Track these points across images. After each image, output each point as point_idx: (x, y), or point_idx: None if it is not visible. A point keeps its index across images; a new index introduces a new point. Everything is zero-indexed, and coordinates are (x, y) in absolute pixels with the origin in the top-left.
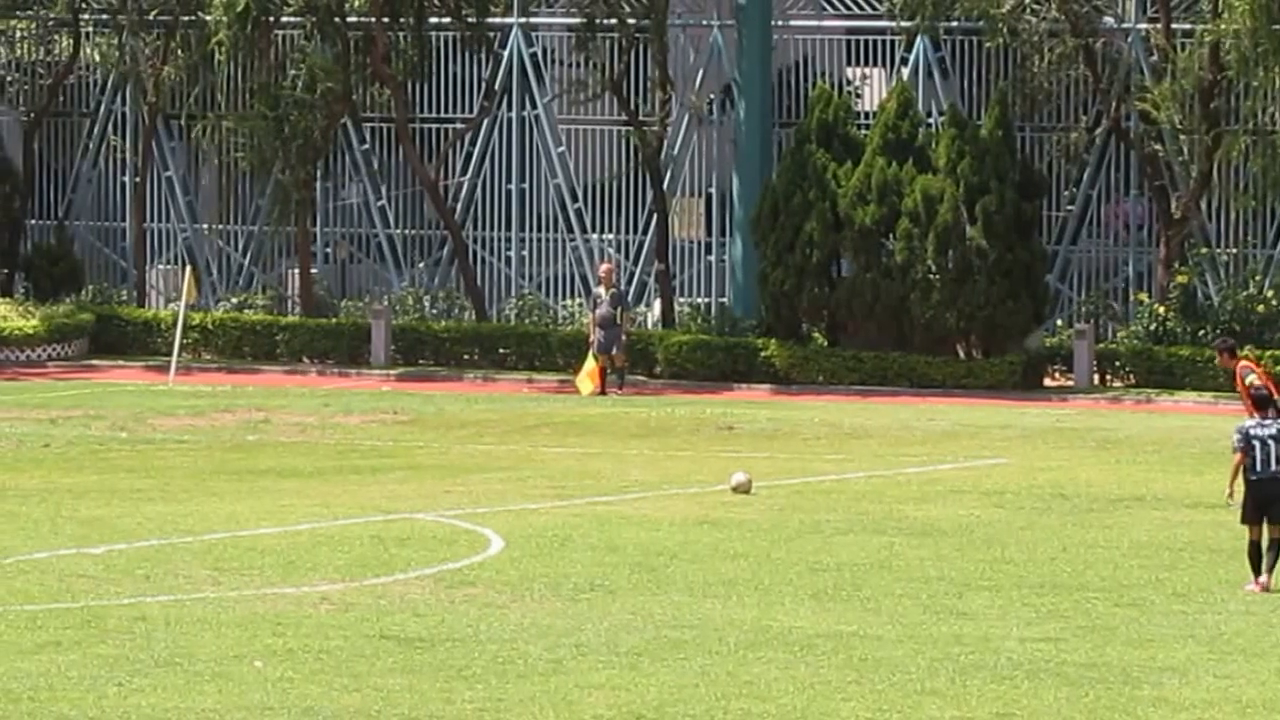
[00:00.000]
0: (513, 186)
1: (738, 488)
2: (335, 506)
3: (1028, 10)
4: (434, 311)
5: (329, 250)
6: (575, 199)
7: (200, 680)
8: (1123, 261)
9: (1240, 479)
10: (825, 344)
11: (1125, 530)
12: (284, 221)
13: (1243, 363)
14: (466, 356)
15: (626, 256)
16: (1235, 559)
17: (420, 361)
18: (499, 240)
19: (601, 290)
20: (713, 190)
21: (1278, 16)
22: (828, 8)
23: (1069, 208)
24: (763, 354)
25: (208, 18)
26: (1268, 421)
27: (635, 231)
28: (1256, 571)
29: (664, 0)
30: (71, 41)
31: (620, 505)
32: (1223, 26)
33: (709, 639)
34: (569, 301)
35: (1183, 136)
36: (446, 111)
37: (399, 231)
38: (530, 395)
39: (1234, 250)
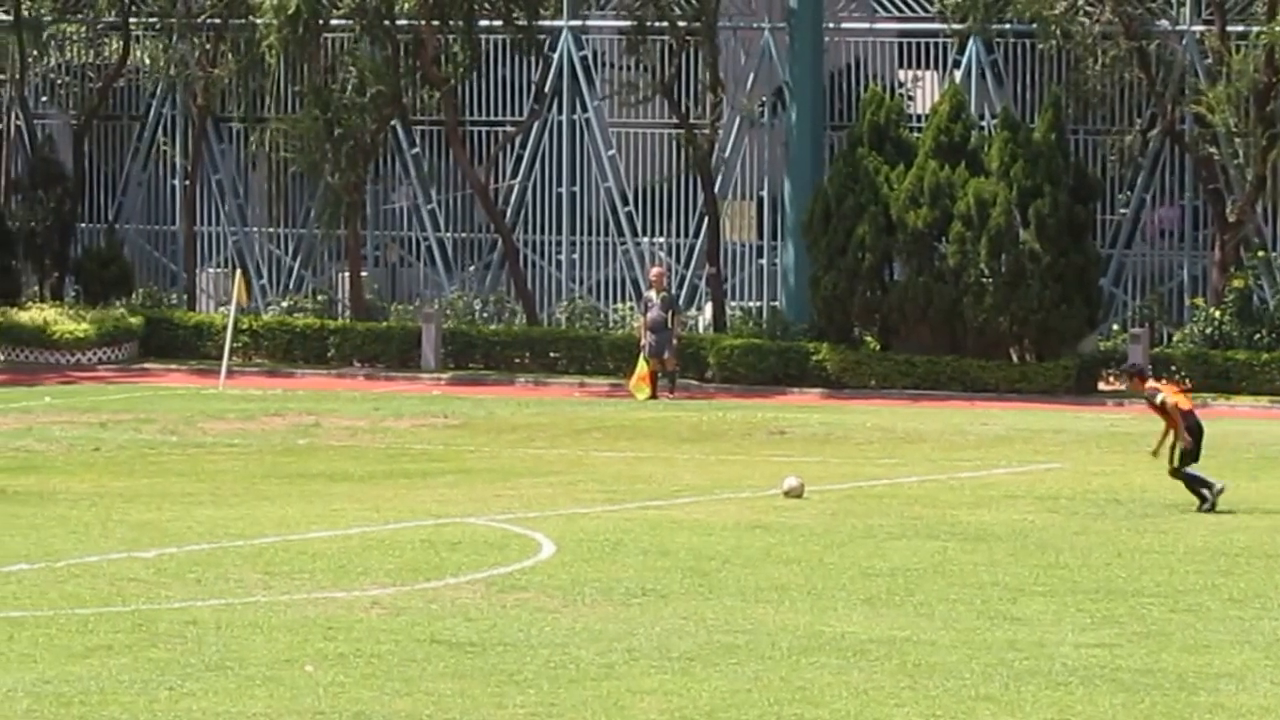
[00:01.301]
0: (563, 190)
1: (790, 492)
2: (386, 510)
3: (1081, 13)
4: (484, 315)
5: (379, 254)
6: (626, 202)
7: (251, 684)
8: (1177, 265)
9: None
10: (878, 348)
11: (1180, 535)
12: (334, 225)
13: (1149, 384)
14: (517, 360)
15: (678, 260)
16: None
17: (471, 365)
18: (550, 244)
19: (653, 294)
20: (764, 193)
21: None
22: (879, 10)
23: (1123, 211)
24: (815, 358)
25: (257, 20)
26: None
27: (686, 235)
28: None
29: (714, 3)
30: (121, 45)
31: (672, 509)
32: (1277, 29)
33: (761, 644)
34: (620, 305)
35: (1238, 139)
36: (497, 114)
37: (449, 235)
38: (581, 399)
39: None
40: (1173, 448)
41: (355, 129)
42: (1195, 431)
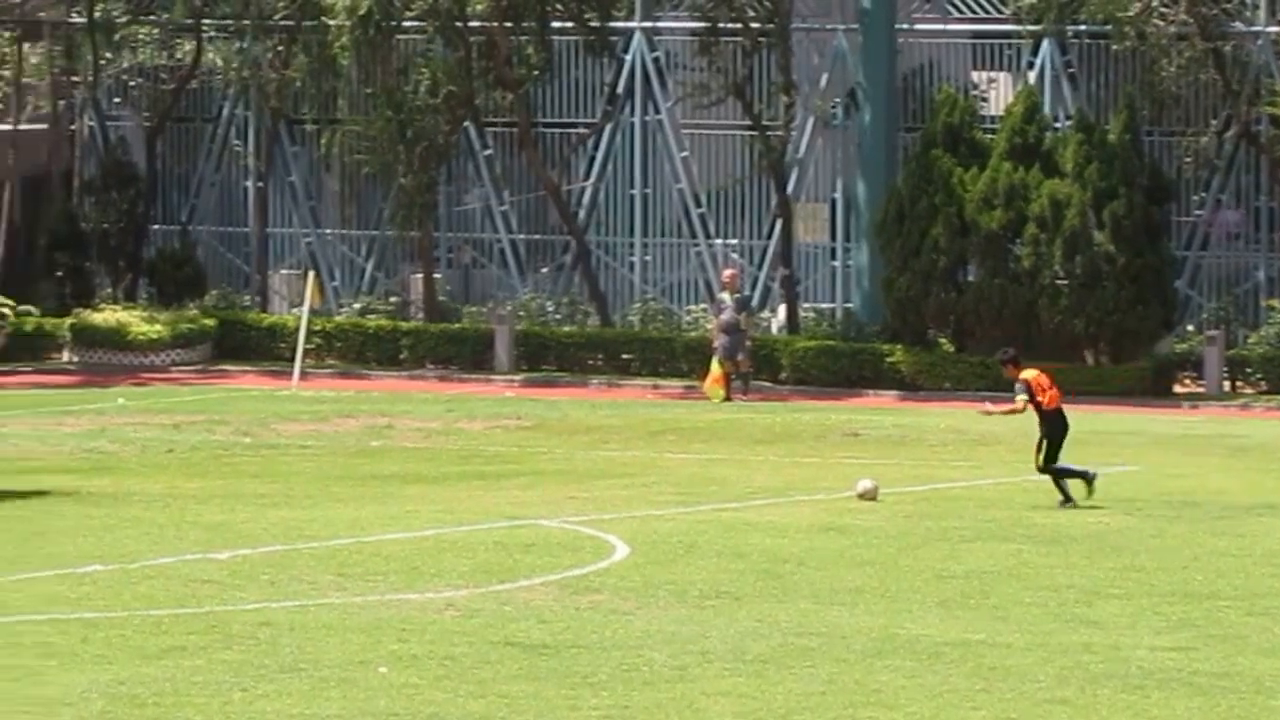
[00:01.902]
0: (636, 191)
1: (864, 494)
2: (459, 512)
3: (1155, 14)
4: (557, 317)
5: (452, 255)
6: (699, 204)
7: (325, 686)
8: (1253, 267)
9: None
10: (952, 349)
11: (1257, 539)
12: (407, 226)
13: (1023, 374)
14: (590, 362)
15: (751, 261)
16: None
17: (544, 367)
18: (622, 245)
19: (726, 295)
20: (837, 195)
21: None
22: (953, 11)
23: (1198, 213)
24: (889, 360)
25: (330, 22)
26: None
27: (759, 236)
28: None
29: (787, 4)
30: (194, 46)
31: (745, 511)
32: None
33: (835, 646)
34: (693, 307)
35: None
36: (569, 116)
37: (522, 236)
38: (654, 401)
39: None
40: (1039, 447)
41: (428, 130)
42: (1061, 428)
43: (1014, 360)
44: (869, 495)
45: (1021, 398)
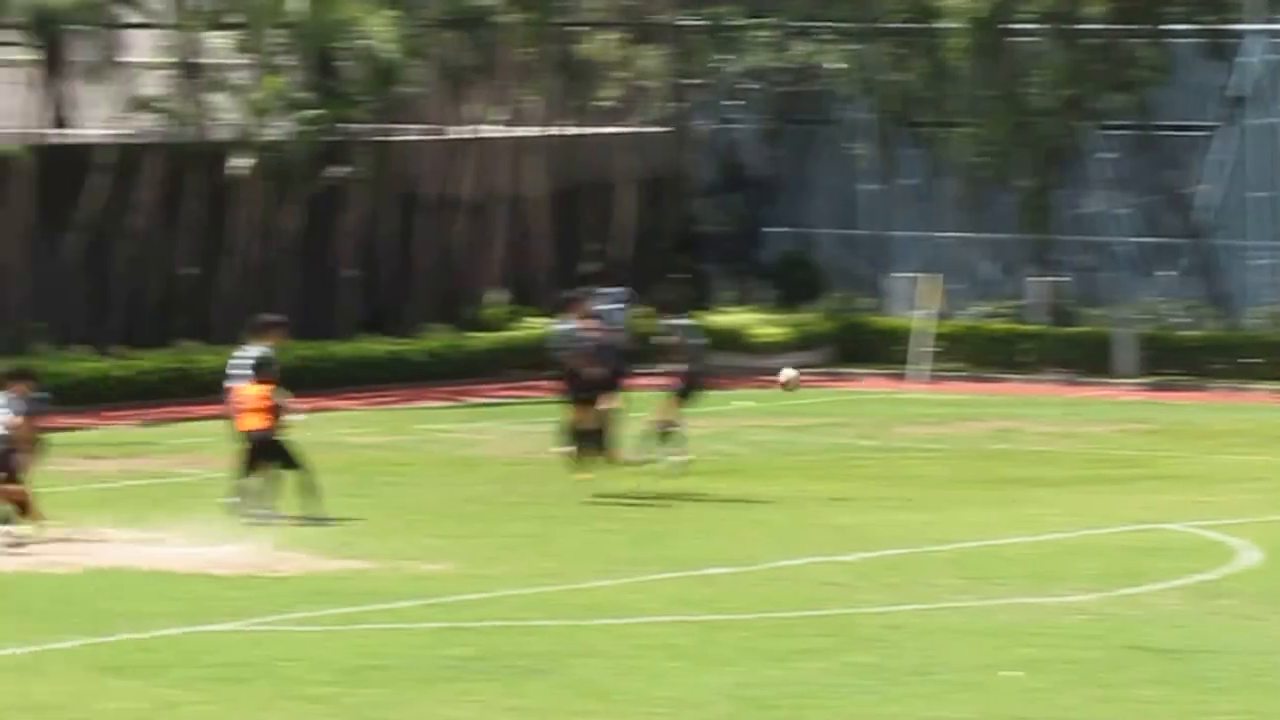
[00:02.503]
0: (1262, 194)
1: (787, 383)
2: (1084, 516)
3: None
4: (1180, 320)
5: (1072, 259)
6: None
7: (953, 690)
8: None
9: None
10: None
11: None
12: (1027, 229)
13: None
14: (1214, 366)
15: None
16: None
17: (1167, 371)
18: (1246, 249)
19: None
20: None
21: None
22: None
23: None
24: None
25: (946, 25)
26: None
27: None
28: None
29: None
30: (809, 49)
31: None
32: None
33: None
34: None
35: None
36: (1189, 119)
37: (1143, 240)
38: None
39: None
40: None
41: (1046, 133)
42: None
43: None
44: (791, 384)
45: None
